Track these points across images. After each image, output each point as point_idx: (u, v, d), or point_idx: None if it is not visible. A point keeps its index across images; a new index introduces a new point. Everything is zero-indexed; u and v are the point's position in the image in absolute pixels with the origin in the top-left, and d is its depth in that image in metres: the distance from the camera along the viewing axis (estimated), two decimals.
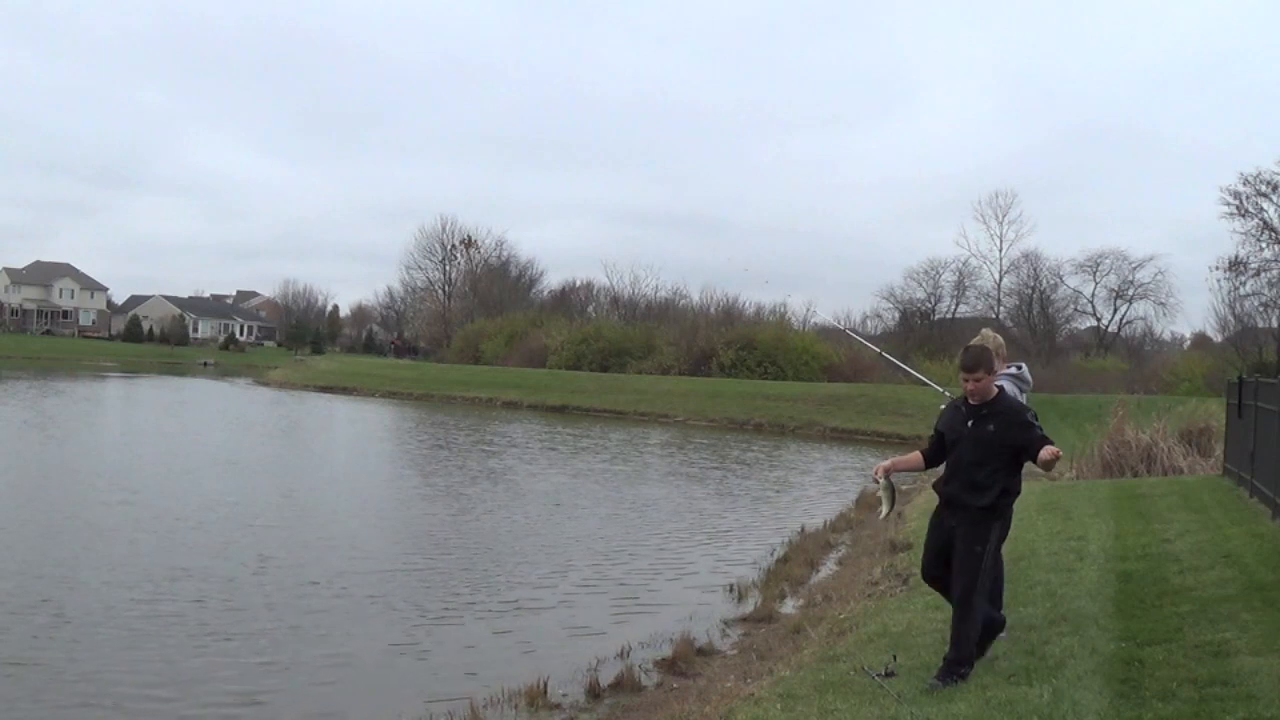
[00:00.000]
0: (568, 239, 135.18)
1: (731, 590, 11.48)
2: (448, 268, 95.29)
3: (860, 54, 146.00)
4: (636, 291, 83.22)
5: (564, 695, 7.78)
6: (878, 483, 6.45)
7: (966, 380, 5.94)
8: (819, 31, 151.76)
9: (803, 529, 15.54)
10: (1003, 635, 7.16)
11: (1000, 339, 7.68)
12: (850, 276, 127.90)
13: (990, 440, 5.85)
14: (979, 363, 5.92)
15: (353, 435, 32.59)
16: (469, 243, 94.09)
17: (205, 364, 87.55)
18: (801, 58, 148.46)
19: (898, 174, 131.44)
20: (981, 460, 5.86)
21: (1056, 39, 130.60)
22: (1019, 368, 7.52)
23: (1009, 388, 7.36)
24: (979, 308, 74.22)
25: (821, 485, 22.79)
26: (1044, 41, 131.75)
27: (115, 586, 10.67)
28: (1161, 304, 69.52)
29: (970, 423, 5.93)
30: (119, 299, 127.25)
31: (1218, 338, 57.63)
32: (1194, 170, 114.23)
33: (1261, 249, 49.03)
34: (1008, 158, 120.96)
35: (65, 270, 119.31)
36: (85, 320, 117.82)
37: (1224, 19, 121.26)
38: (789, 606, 10.61)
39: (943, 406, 6.34)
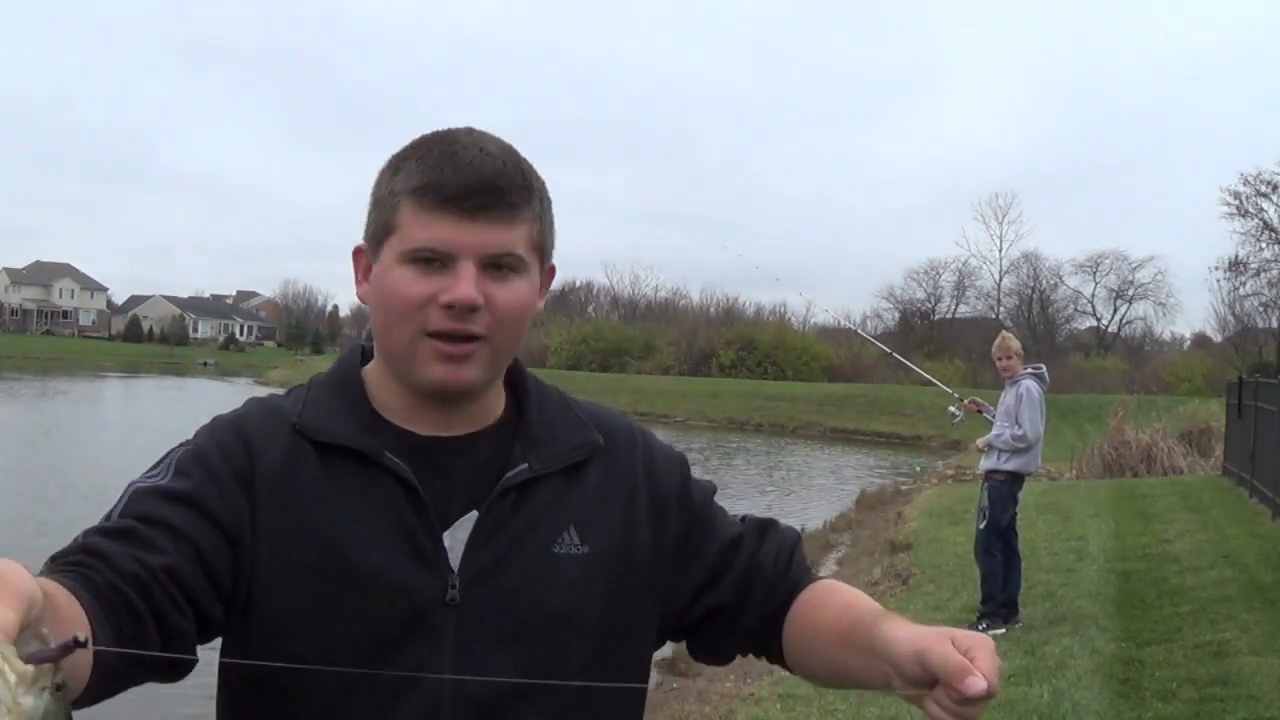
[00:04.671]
0: (569, 238, 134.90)
1: None
2: None
3: (869, 53, 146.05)
4: (636, 291, 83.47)
5: None
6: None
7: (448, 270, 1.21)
8: (828, 30, 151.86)
9: (802, 529, 15.46)
10: (1002, 632, 7.20)
11: (1018, 341, 7.74)
12: (851, 276, 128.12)
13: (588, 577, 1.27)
14: (522, 192, 1.24)
15: None
16: None
17: (205, 364, 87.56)
18: (811, 56, 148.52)
19: (902, 174, 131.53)
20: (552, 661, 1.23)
21: (1070, 39, 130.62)
22: (1039, 368, 7.60)
23: (1034, 387, 7.39)
24: (979, 308, 74.27)
25: (821, 485, 22.79)
26: (1058, 41, 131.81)
27: None
28: (1161, 304, 69.62)
29: (493, 495, 1.25)
30: (119, 299, 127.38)
31: (1218, 338, 57.68)
32: (1203, 169, 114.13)
33: (1261, 249, 49.09)
34: (1013, 157, 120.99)
35: (65, 270, 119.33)
36: (85, 320, 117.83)
37: (1236, 19, 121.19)
38: None
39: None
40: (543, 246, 1.29)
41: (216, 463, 1.20)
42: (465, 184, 1.20)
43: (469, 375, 1.23)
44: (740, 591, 1.35)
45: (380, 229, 1.25)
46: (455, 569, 1.21)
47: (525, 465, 1.26)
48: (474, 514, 1.23)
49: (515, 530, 1.24)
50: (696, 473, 1.44)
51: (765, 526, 1.42)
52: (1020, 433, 7.23)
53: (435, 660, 1.19)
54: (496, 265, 1.21)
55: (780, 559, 1.37)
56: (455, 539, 1.22)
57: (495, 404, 1.32)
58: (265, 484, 1.21)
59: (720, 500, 1.43)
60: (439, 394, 1.25)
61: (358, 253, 1.30)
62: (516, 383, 1.35)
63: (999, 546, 7.32)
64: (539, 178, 1.30)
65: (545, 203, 1.29)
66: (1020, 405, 7.28)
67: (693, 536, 1.36)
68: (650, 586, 1.32)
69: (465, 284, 1.19)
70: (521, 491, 1.25)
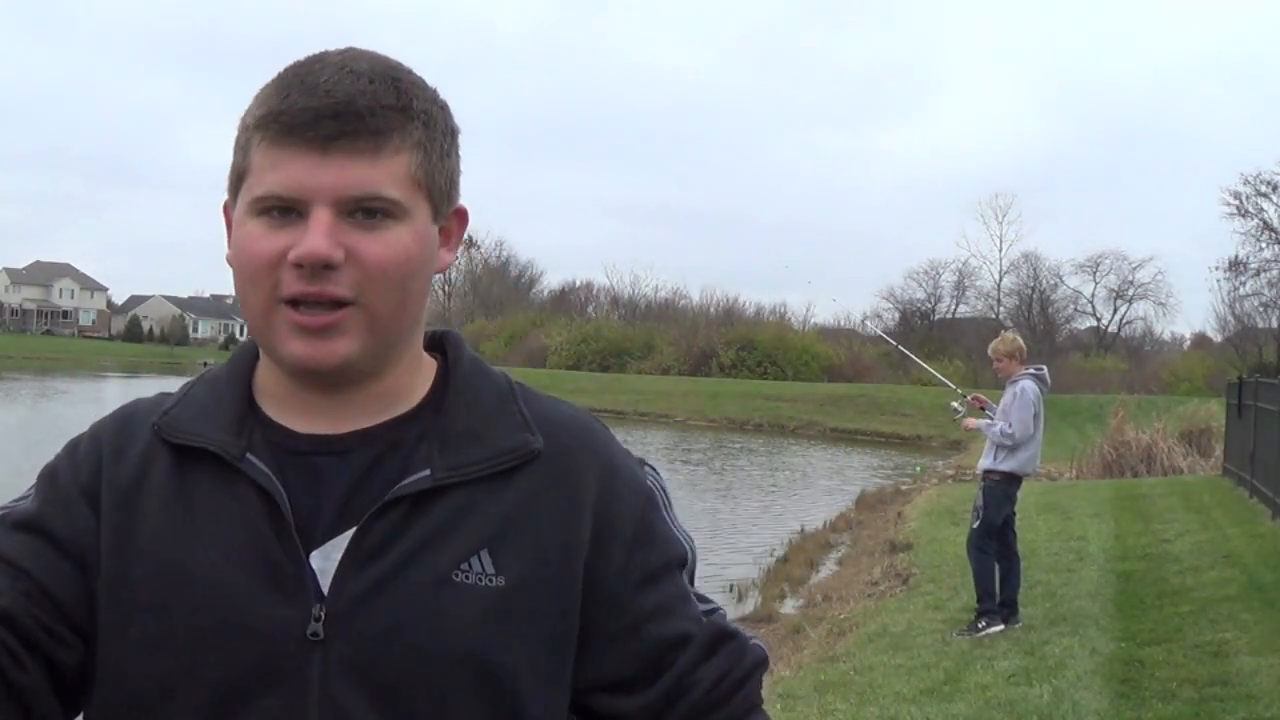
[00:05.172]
0: (572, 236, 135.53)
1: (731, 590, 11.48)
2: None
3: (870, 53, 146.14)
4: (636, 291, 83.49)
5: None
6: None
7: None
8: (829, 29, 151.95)
9: (802, 529, 15.54)
10: (1000, 630, 7.21)
11: (1020, 340, 7.75)
12: (851, 276, 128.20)
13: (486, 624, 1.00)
14: (392, 114, 0.98)
15: None
16: (470, 243, 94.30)
17: (205, 364, 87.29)
18: (812, 55, 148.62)
19: (902, 173, 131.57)
20: None
21: (1070, 39, 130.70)
22: (1040, 369, 7.61)
23: (1030, 388, 7.39)
24: (979, 308, 74.29)
25: (821, 485, 22.81)
26: (1058, 40, 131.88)
27: None
28: (1161, 304, 69.65)
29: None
30: (119, 299, 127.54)
31: (1218, 338, 57.72)
32: (1203, 169, 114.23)
33: (1261, 249, 49.12)
34: (1013, 157, 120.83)
35: (65, 270, 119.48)
36: (85, 320, 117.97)
37: (1237, 19, 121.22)
38: (789, 607, 10.61)
39: None
40: (432, 184, 1.01)
41: (66, 479, 1.04)
42: (314, 108, 0.95)
43: (339, 350, 0.98)
44: (659, 710, 1.05)
45: (234, 175, 1.03)
46: (325, 597, 0.97)
47: (427, 472, 1.00)
48: (353, 530, 0.99)
49: (404, 550, 0.98)
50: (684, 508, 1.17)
51: (720, 638, 1.11)
52: (1009, 430, 7.25)
53: (296, 713, 0.96)
54: (366, 210, 0.97)
55: (724, 686, 1.08)
56: (329, 560, 0.98)
57: (407, 391, 1.06)
58: (111, 497, 1.02)
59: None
60: (308, 376, 1.01)
61: (226, 210, 1.06)
62: (449, 365, 1.09)
63: (992, 546, 7.33)
64: (429, 98, 1.01)
65: (436, 129, 1.01)
66: (1014, 405, 7.31)
67: (628, 610, 1.05)
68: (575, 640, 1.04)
69: (314, 235, 0.95)
70: (418, 504, 0.99)
